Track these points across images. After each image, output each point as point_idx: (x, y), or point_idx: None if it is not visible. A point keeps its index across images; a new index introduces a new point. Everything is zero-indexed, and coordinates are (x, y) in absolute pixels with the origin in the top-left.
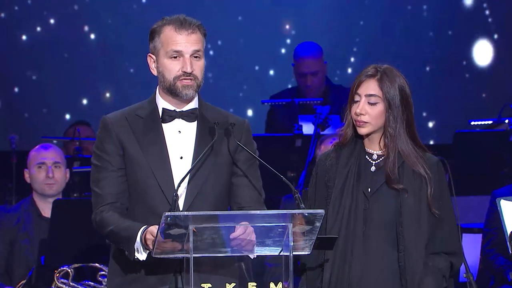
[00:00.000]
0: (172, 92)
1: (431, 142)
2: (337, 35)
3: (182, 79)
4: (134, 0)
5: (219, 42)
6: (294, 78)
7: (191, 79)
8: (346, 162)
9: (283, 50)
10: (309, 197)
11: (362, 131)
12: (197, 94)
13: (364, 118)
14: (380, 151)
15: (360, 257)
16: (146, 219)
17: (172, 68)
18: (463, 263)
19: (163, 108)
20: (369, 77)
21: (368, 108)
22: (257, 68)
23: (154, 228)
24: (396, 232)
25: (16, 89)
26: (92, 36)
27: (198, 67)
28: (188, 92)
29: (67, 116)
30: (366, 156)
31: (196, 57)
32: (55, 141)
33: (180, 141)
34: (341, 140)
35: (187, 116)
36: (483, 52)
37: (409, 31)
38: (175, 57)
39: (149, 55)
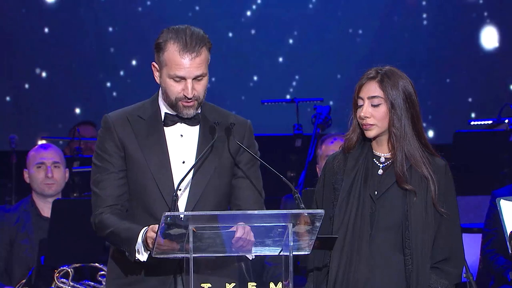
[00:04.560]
0: (173, 108)
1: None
2: (337, 35)
3: (183, 101)
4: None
5: (220, 42)
6: (293, 79)
7: (192, 101)
8: (353, 164)
9: (283, 51)
10: (316, 198)
11: (370, 134)
12: None
13: (369, 121)
14: (388, 154)
15: (366, 260)
16: (145, 222)
17: (174, 90)
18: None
19: (165, 112)
20: (370, 79)
21: (372, 110)
22: (257, 68)
23: (155, 226)
24: (402, 236)
25: (16, 90)
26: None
27: (200, 87)
28: (189, 112)
29: (66, 118)
30: (374, 159)
31: (199, 79)
32: (61, 142)
33: (182, 145)
34: (347, 146)
35: (190, 120)
36: (483, 53)
37: (409, 30)
38: (177, 81)
39: (154, 65)
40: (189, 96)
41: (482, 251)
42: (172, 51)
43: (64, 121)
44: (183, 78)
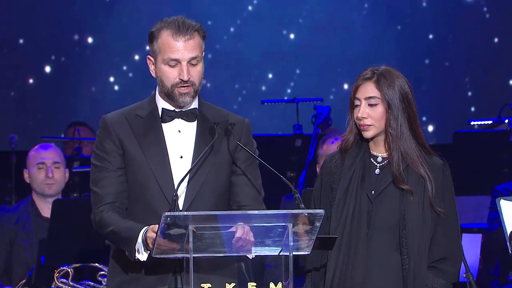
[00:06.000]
0: (170, 97)
1: (431, 142)
2: (337, 35)
3: (179, 87)
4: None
5: (219, 43)
6: (292, 81)
7: (188, 86)
8: (350, 164)
9: (282, 51)
10: (314, 198)
11: (367, 134)
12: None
13: (367, 121)
14: (385, 154)
15: (363, 259)
16: (146, 219)
17: (170, 76)
18: (463, 264)
19: (162, 108)
20: (366, 80)
21: (369, 110)
22: (257, 68)
23: (155, 227)
24: (399, 235)
25: (15, 90)
26: (90, 40)
27: (195, 73)
28: (185, 100)
29: (66, 117)
30: (371, 159)
31: (193, 64)
32: (53, 143)
33: (180, 140)
34: (344, 146)
35: (187, 116)
36: (483, 52)
37: (409, 31)
38: (172, 65)
39: (148, 57)
40: (185, 78)
41: (484, 234)
42: (165, 36)
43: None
44: (178, 62)
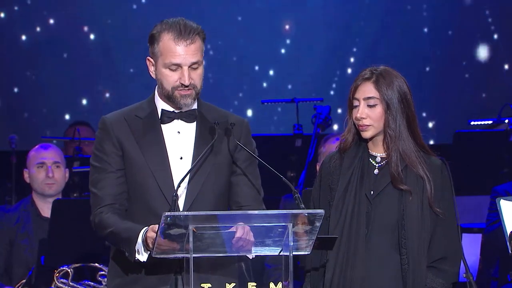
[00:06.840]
0: (170, 100)
1: (431, 142)
2: (337, 35)
3: (180, 89)
4: (134, 0)
5: (219, 42)
6: (293, 79)
7: (189, 89)
8: (349, 164)
9: (282, 50)
10: (313, 199)
11: (366, 134)
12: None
13: (366, 122)
14: (383, 154)
15: (362, 259)
16: (145, 220)
17: (170, 79)
18: (462, 263)
19: (162, 109)
20: (365, 80)
21: (368, 111)
22: (257, 68)
23: (155, 227)
24: (398, 235)
25: (15, 89)
26: (92, 36)
27: (196, 76)
28: (186, 102)
29: (67, 117)
30: (370, 159)
31: (194, 68)
32: (54, 141)
33: (180, 141)
34: (343, 146)
35: (186, 117)
36: (483, 52)
37: (409, 30)
38: (173, 69)
39: (148, 59)
40: (186, 83)
41: (483, 236)
42: (166, 40)
43: (64, 122)
44: (179, 66)
